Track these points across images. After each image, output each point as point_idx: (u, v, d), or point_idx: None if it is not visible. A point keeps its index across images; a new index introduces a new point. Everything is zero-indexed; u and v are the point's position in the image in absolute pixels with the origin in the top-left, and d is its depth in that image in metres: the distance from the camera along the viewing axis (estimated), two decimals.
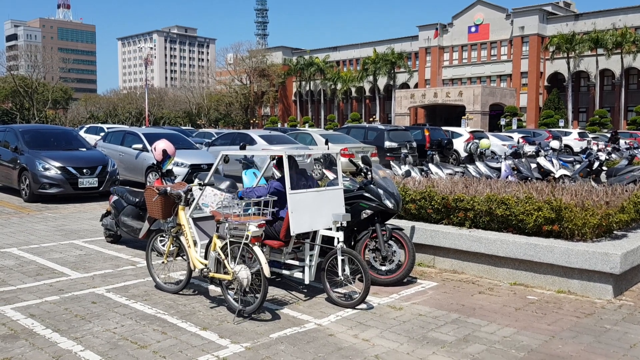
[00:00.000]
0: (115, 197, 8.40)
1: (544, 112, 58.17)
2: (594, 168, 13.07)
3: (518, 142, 24.87)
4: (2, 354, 4.34)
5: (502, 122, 52.96)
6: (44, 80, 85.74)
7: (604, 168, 13.36)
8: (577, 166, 14.15)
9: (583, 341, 4.70)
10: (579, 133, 34.30)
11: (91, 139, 22.72)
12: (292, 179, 5.70)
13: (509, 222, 6.60)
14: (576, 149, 29.91)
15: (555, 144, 18.14)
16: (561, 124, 52.48)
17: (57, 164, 12.81)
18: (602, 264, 5.72)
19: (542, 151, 15.20)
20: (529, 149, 18.53)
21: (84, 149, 14.36)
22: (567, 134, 33.77)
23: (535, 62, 62.58)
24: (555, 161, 13.75)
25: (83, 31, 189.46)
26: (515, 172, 12.80)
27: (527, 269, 6.33)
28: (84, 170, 13.05)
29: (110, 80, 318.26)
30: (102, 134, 22.90)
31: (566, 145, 29.99)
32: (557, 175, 13.01)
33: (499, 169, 12.75)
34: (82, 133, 26.80)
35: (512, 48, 64.73)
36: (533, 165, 13.75)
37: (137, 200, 8.00)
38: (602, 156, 13.54)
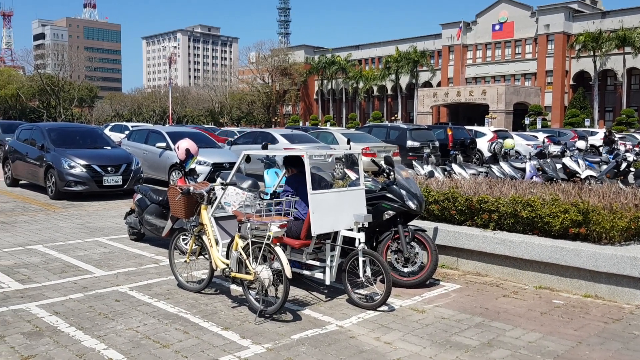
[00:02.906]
0: (139, 196, 8.47)
1: (569, 111, 57.27)
2: (621, 169, 12.82)
3: (543, 142, 24.50)
4: (27, 351, 4.40)
5: (527, 121, 52.29)
6: (70, 78, 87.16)
7: (632, 169, 13.10)
8: (604, 167, 13.89)
9: (611, 348, 4.59)
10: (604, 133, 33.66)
11: (116, 137, 23.02)
12: (313, 178, 5.67)
13: (534, 225, 6.49)
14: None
15: (581, 144, 17.86)
16: (587, 123, 51.60)
17: (83, 162, 12.97)
18: (631, 268, 5.58)
19: (568, 151, 14.98)
20: (554, 149, 18.26)
21: (109, 147, 14.52)
22: (593, 133, 33.19)
23: (561, 61, 61.63)
24: (581, 162, 13.53)
25: (108, 30, 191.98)
26: (540, 172, 12.62)
27: (553, 273, 6.22)
28: (109, 169, 13.19)
29: (135, 79, 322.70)
30: (126, 132, 23.17)
31: (592, 146, 29.47)
32: (583, 176, 12.79)
33: (523, 170, 12.57)
34: (107, 131, 27.17)
35: (537, 46, 63.84)
36: (558, 166, 13.54)
37: (160, 198, 8.05)
38: (630, 157, 13.28)
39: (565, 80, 62.46)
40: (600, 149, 19.17)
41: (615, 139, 27.91)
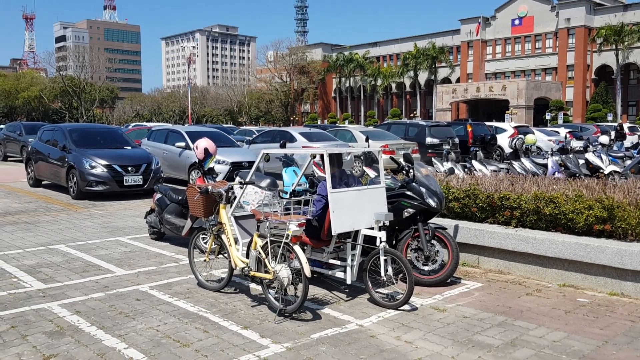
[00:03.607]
0: (158, 195, 8.51)
1: (591, 106, 56.40)
2: None
3: (565, 138, 24.14)
4: (48, 350, 4.43)
5: (548, 116, 51.62)
6: (92, 80, 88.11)
7: None
8: (628, 162, 13.62)
9: (639, 347, 4.47)
10: (628, 127, 33.07)
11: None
12: (335, 177, 5.64)
13: (557, 221, 6.37)
14: (626, 144, 28.82)
15: (604, 138, 17.52)
16: (609, 118, 50.72)
17: (103, 162, 13.09)
18: None
19: (591, 146, 14.71)
20: (576, 144, 17.96)
21: (129, 147, 14.64)
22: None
23: (582, 55, 60.71)
24: (604, 157, 13.29)
25: (128, 32, 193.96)
26: (563, 168, 12.42)
27: (577, 270, 6.10)
28: (129, 168, 13.30)
29: (155, 80, 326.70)
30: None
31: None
32: (606, 172, 12.57)
33: (545, 166, 12.39)
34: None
35: (557, 40, 62.97)
36: (581, 162, 13.32)
37: (179, 198, 8.09)
38: None
39: (586, 75, 61.52)
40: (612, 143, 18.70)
41: (639, 132, 27.34)
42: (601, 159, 13.16)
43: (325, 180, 5.61)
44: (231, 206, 6.02)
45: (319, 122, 71.23)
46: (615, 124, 33.05)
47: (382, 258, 5.39)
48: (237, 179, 6.17)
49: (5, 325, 4.98)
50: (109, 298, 5.78)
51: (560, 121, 49.14)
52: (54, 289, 6.11)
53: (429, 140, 20.43)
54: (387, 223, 5.60)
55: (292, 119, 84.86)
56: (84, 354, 4.36)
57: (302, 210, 5.42)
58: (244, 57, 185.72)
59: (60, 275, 6.68)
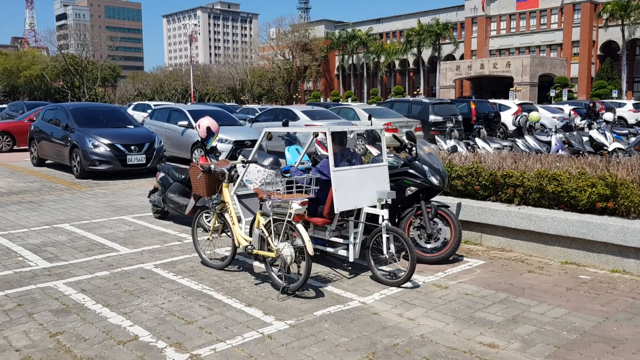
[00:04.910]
0: (161, 174, 8.53)
1: (596, 82, 55.91)
2: None
3: (569, 115, 23.99)
4: (55, 328, 4.48)
5: (552, 93, 51.23)
6: (93, 58, 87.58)
7: None
8: (632, 139, 13.56)
9: (639, 323, 4.51)
10: (633, 104, 32.85)
11: (139, 116, 23.17)
12: (337, 155, 5.64)
13: (560, 199, 6.37)
14: (631, 120, 28.69)
15: (608, 116, 17.43)
16: (615, 94, 50.32)
17: (106, 141, 13.09)
18: None
19: (595, 123, 14.65)
20: (580, 121, 17.86)
21: (132, 126, 14.62)
22: (621, 105, 32.39)
23: (588, 31, 60.01)
24: (608, 134, 13.24)
25: (129, 9, 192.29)
26: (567, 145, 12.38)
27: (580, 248, 6.11)
28: (132, 147, 13.30)
29: (157, 58, 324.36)
30: (149, 111, 23.30)
31: (620, 117, 28.77)
32: (610, 149, 12.53)
33: (549, 143, 12.35)
34: (130, 110, 27.37)
35: (563, 16, 62.20)
36: (585, 139, 13.27)
37: (182, 177, 8.10)
38: None
39: (592, 51, 60.89)
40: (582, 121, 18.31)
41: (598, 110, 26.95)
42: (605, 136, 13.11)
43: (326, 158, 5.60)
44: (234, 185, 6.04)
45: (321, 100, 70.90)
46: (590, 102, 32.72)
47: (384, 236, 5.41)
48: (240, 157, 6.18)
49: (12, 303, 5.04)
50: (113, 276, 5.83)
51: (564, 98, 48.80)
52: (59, 267, 6.16)
53: (432, 117, 20.36)
54: (389, 201, 5.61)
55: (294, 97, 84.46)
56: (90, 331, 4.41)
57: (306, 175, 5.42)
58: (246, 35, 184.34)
59: (65, 254, 6.73)
